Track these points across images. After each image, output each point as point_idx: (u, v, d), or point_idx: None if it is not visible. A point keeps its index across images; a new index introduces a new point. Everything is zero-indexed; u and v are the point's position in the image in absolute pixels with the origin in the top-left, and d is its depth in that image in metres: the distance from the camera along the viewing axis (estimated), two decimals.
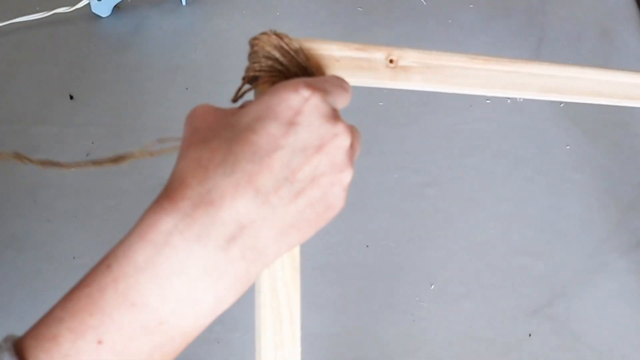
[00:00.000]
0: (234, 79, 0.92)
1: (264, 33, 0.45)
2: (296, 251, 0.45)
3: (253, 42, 0.46)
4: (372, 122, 0.89)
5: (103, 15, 0.91)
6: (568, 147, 0.91)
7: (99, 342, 0.32)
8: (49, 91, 0.85)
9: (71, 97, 0.84)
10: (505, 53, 0.98)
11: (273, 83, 0.44)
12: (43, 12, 0.89)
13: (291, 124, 0.36)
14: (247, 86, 0.47)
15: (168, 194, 0.34)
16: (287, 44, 0.45)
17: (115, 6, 0.91)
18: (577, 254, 0.83)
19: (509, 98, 0.94)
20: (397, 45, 0.53)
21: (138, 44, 0.90)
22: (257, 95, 0.44)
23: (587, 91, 0.62)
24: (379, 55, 0.51)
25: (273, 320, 0.44)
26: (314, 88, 0.37)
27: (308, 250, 0.78)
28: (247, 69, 0.46)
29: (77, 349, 0.31)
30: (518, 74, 0.57)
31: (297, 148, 0.36)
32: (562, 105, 0.95)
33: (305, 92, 0.37)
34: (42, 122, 0.82)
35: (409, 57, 0.53)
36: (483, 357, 0.75)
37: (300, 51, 0.46)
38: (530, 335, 0.77)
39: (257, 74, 0.45)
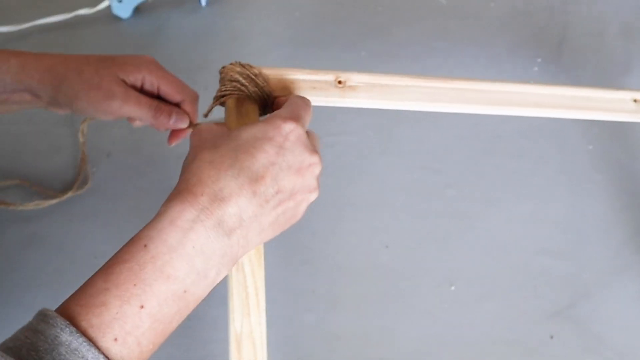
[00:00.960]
0: None
1: (230, 63, 0.57)
2: None
3: (221, 71, 0.57)
4: (391, 122, 0.88)
5: (124, 17, 0.92)
6: (590, 147, 0.90)
7: (141, 307, 0.40)
8: None
9: None
10: (526, 52, 0.98)
11: (238, 100, 0.56)
12: (64, 14, 0.89)
13: (281, 147, 0.47)
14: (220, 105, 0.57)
15: (189, 188, 0.44)
16: (248, 70, 0.57)
17: (135, 8, 0.92)
18: (599, 255, 0.82)
19: None
20: (344, 69, 0.61)
21: (158, 45, 0.91)
22: (226, 111, 0.55)
23: (531, 103, 0.66)
24: (328, 77, 0.60)
25: (239, 290, 0.52)
26: (297, 121, 0.48)
27: (327, 251, 0.79)
28: (217, 92, 0.56)
29: (123, 312, 0.39)
30: (461, 90, 0.64)
31: (284, 166, 0.46)
32: None
33: (291, 125, 0.47)
34: (64, 123, 0.83)
35: (354, 78, 0.61)
36: (504, 359, 0.74)
37: (259, 75, 0.57)
38: (552, 337, 0.76)
39: (224, 94, 0.56)
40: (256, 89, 0.57)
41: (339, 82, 0.61)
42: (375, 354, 0.73)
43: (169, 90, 0.64)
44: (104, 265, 0.42)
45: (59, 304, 0.42)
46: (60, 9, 0.90)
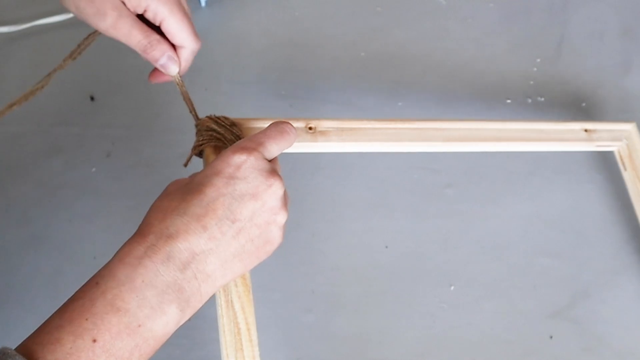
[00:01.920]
0: (253, 80, 0.93)
1: (205, 116, 0.59)
2: (246, 273, 0.56)
3: (197, 124, 0.59)
4: None
5: None
6: None
7: (94, 341, 0.41)
8: (70, 92, 0.85)
9: (92, 99, 0.85)
10: (526, 52, 0.98)
11: (215, 148, 0.58)
12: (65, 14, 0.89)
13: (231, 177, 0.48)
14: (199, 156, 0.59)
15: (138, 232, 0.46)
16: (222, 121, 0.59)
17: None
18: (599, 255, 0.82)
19: (529, 97, 0.94)
20: (315, 116, 0.64)
21: None
22: (204, 160, 0.58)
23: (489, 138, 0.72)
24: (299, 124, 0.64)
25: (230, 327, 0.54)
26: (250, 151, 0.49)
27: (327, 251, 0.79)
28: (195, 143, 0.58)
29: (77, 347, 0.40)
30: (422, 130, 0.69)
31: (236, 195, 0.47)
32: (583, 104, 0.94)
33: (242, 155, 0.49)
34: (64, 122, 0.83)
35: (324, 124, 0.65)
36: (503, 359, 0.74)
37: (234, 125, 0.60)
38: (551, 337, 0.76)
39: (202, 143, 0.58)
40: (232, 137, 0.59)
41: (310, 128, 0.65)
42: (375, 354, 0.73)
43: (171, 29, 0.58)
44: (61, 306, 0.43)
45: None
46: (61, 9, 0.90)
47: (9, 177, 0.78)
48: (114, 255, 0.45)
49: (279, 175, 0.50)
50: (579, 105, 0.94)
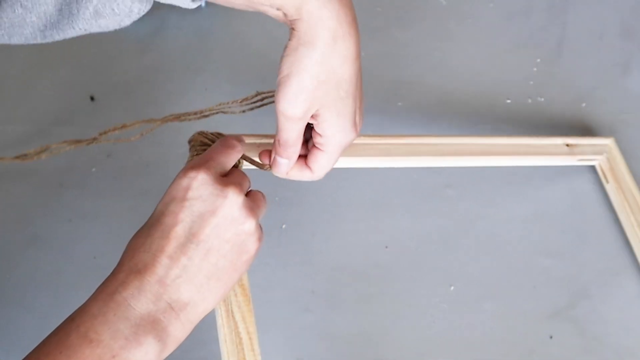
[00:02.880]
0: (253, 80, 0.93)
1: (197, 132, 0.59)
2: (244, 279, 0.55)
3: (190, 139, 0.60)
4: (391, 123, 0.88)
5: None
6: None
7: None
8: (70, 92, 0.85)
9: (92, 99, 0.85)
10: (526, 52, 0.98)
11: None
12: None
13: (184, 199, 0.48)
14: None
15: (112, 273, 0.47)
16: (215, 136, 0.59)
17: None
18: (599, 255, 0.82)
19: (529, 97, 0.94)
20: None
21: (158, 46, 0.91)
22: None
23: (477, 152, 0.75)
24: None
25: (232, 337, 0.54)
26: (199, 167, 0.49)
27: (327, 251, 0.79)
28: (188, 159, 0.58)
29: None
30: (410, 145, 0.71)
31: (195, 216, 0.47)
32: (583, 105, 0.94)
33: (191, 173, 0.48)
34: (64, 123, 0.83)
35: None
36: (503, 359, 0.74)
37: None
38: (551, 337, 0.76)
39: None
40: None
41: None
42: (375, 354, 0.73)
43: (316, 157, 0.57)
44: (40, 342, 0.44)
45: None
46: None
47: (9, 177, 0.78)
48: (90, 296, 0.46)
49: (232, 184, 0.49)
50: (579, 105, 0.94)
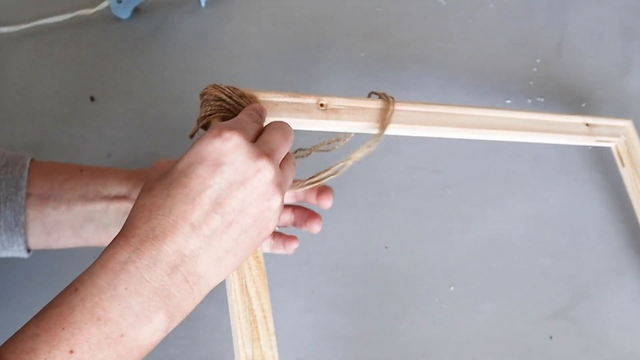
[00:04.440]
0: (254, 80, 0.93)
1: (212, 85, 0.54)
2: (259, 252, 0.51)
3: (203, 92, 0.55)
4: None
5: (123, 17, 0.92)
6: (589, 147, 0.90)
7: (71, 352, 0.38)
8: (70, 92, 0.85)
9: (92, 99, 0.85)
10: (525, 52, 0.98)
11: (223, 119, 0.53)
12: (65, 14, 0.89)
13: (217, 164, 0.43)
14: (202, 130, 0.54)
15: (122, 233, 0.42)
16: (231, 90, 0.55)
17: (135, 8, 0.92)
18: (599, 255, 0.82)
19: (529, 98, 0.94)
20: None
21: (158, 46, 0.91)
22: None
23: (498, 126, 0.72)
24: (310, 100, 0.61)
25: (245, 314, 0.49)
26: (235, 130, 0.45)
27: (327, 251, 0.79)
28: (200, 114, 0.54)
29: (52, 358, 0.37)
30: (429, 114, 0.67)
31: (223, 185, 0.43)
32: (583, 105, 0.94)
33: (226, 134, 0.44)
34: (64, 123, 0.83)
35: (336, 101, 0.62)
36: (503, 359, 0.75)
37: (243, 96, 0.55)
38: (551, 337, 0.76)
39: (210, 113, 0.53)
40: (242, 108, 0.54)
41: (321, 105, 0.61)
42: (375, 354, 0.73)
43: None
44: (38, 312, 0.40)
45: None
46: (60, 10, 0.90)
47: None
48: (97, 259, 0.42)
49: (266, 156, 0.45)
50: (578, 106, 0.94)
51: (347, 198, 0.82)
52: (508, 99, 0.93)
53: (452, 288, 0.78)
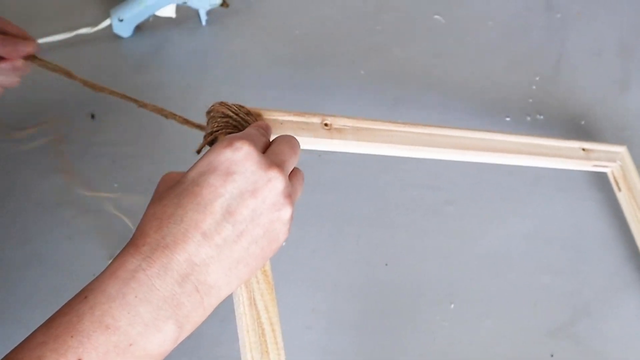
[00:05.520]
0: (254, 98, 0.93)
1: (219, 102, 0.55)
2: (267, 265, 0.51)
3: (210, 109, 0.55)
4: None
5: (124, 36, 0.92)
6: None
7: None
8: (71, 110, 0.86)
9: (92, 117, 0.85)
10: (524, 70, 0.98)
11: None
12: (66, 33, 0.90)
13: (228, 174, 0.43)
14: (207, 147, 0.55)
15: (132, 242, 0.42)
16: (238, 108, 0.55)
17: (136, 27, 0.92)
18: (599, 273, 0.82)
19: (528, 115, 0.94)
20: (331, 112, 0.62)
21: (159, 64, 0.91)
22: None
23: (495, 149, 0.73)
24: (315, 119, 0.61)
25: (254, 327, 0.49)
26: (245, 140, 0.45)
27: (326, 268, 0.79)
28: (207, 130, 0.55)
29: None
30: (432, 135, 0.68)
31: (234, 194, 0.43)
32: (582, 122, 0.94)
33: (237, 144, 0.44)
34: (64, 140, 0.83)
35: (340, 121, 0.63)
36: None
37: (249, 113, 0.56)
38: (552, 355, 0.76)
39: (217, 129, 0.54)
40: (248, 125, 0.55)
41: (326, 125, 0.62)
42: None
43: (8, 28, 0.63)
44: (46, 320, 0.40)
45: None
46: (61, 29, 0.90)
47: (10, 194, 0.78)
48: (106, 268, 0.41)
49: (277, 166, 0.46)
50: (578, 123, 0.94)
51: (347, 215, 0.82)
52: (507, 117, 0.93)
53: (452, 305, 0.78)
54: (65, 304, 0.40)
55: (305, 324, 0.74)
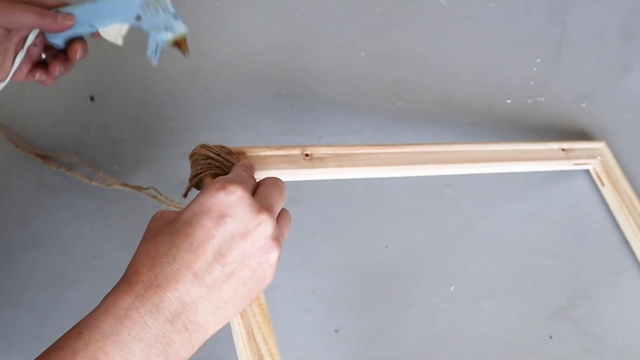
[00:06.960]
0: (253, 80, 0.93)
1: (199, 145, 0.57)
2: (262, 298, 0.53)
3: (192, 153, 0.57)
4: (390, 123, 0.88)
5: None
6: None
7: None
8: (70, 93, 0.85)
9: (92, 99, 0.85)
10: (526, 52, 0.98)
11: (214, 176, 0.56)
12: None
13: (221, 216, 0.45)
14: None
15: (125, 279, 0.43)
16: (219, 148, 0.57)
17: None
18: (598, 255, 0.82)
19: (529, 98, 0.94)
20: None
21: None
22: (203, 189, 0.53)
23: (477, 159, 0.75)
24: (295, 151, 0.63)
25: (255, 359, 0.51)
26: (238, 184, 0.47)
27: (327, 251, 0.79)
28: (192, 174, 0.56)
29: None
30: (412, 153, 0.70)
31: (226, 236, 0.45)
32: (583, 105, 0.94)
33: (231, 187, 0.46)
34: (64, 123, 0.83)
35: (320, 150, 0.65)
36: (503, 359, 0.75)
37: (231, 153, 0.58)
38: (551, 337, 0.76)
39: (200, 172, 0.56)
40: (231, 165, 0.57)
41: (306, 155, 0.64)
42: (375, 354, 0.73)
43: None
44: (41, 353, 0.41)
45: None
46: None
47: (9, 177, 0.78)
48: (99, 304, 0.43)
49: (267, 210, 0.47)
50: (579, 106, 0.94)
51: (347, 198, 0.82)
52: (508, 99, 0.93)
53: (452, 288, 0.78)
54: (60, 339, 0.41)
55: (305, 306, 0.75)
